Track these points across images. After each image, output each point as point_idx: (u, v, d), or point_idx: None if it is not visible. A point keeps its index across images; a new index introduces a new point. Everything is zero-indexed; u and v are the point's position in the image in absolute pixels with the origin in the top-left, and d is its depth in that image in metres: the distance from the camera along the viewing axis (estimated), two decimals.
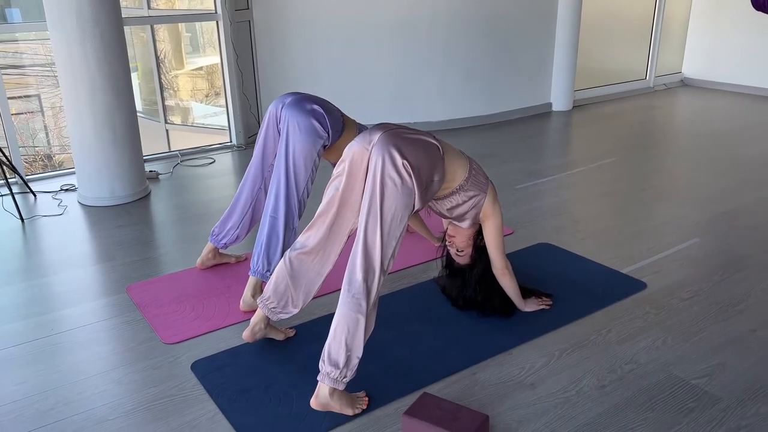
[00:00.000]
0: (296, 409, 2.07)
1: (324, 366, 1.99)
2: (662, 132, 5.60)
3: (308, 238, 2.21)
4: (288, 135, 2.58)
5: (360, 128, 2.82)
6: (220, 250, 3.08)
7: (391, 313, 2.63)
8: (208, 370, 2.28)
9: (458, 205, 2.34)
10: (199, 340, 2.49)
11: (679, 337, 2.46)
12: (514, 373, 2.26)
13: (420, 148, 2.08)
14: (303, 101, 2.63)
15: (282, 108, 2.64)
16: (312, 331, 2.51)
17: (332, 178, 2.16)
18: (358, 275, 1.98)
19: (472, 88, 5.83)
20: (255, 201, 2.89)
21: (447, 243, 2.60)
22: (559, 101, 6.41)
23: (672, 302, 2.71)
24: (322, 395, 1.99)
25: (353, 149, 2.09)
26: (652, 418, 2.02)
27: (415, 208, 2.07)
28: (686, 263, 3.07)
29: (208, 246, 3.04)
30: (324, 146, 2.64)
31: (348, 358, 1.98)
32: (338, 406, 2.01)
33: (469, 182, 2.30)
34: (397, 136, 2.07)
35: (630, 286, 2.84)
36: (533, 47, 6.09)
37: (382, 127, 2.13)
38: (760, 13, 5.05)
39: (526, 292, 2.63)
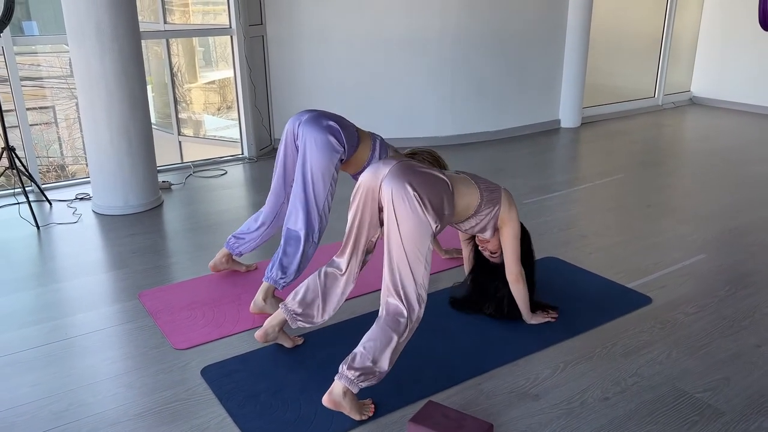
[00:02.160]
0: (304, 415, 2.10)
1: (344, 367, 2.03)
2: (670, 149, 5.63)
3: (340, 261, 2.33)
4: (305, 151, 2.65)
5: (374, 139, 2.88)
6: (234, 257, 3.14)
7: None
8: (217, 376, 2.33)
9: (477, 224, 2.42)
10: (210, 346, 2.54)
11: (683, 351, 2.48)
12: (519, 383, 2.29)
13: (429, 181, 2.14)
14: (319, 118, 2.70)
15: (299, 125, 2.70)
16: (321, 339, 2.55)
17: (350, 205, 2.26)
18: (397, 303, 2.08)
19: (481, 104, 5.90)
20: (276, 216, 2.97)
21: (480, 247, 2.66)
22: (567, 118, 6.46)
23: (677, 317, 2.73)
24: (336, 393, 2.03)
25: (365, 181, 2.18)
26: (655, 431, 2.03)
27: (434, 233, 2.13)
28: (692, 279, 3.09)
29: (224, 251, 3.11)
30: (341, 160, 2.70)
31: (371, 368, 2.03)
32: (348, 408, 2.04)
33: (482, 206, 2.36)
34: (407, 168, 2.13)
35: (636, 300, 2.87)
36: (542, 64, 6.16)
37: (392, 159, 2.21)
38: None
39: (532, 305, 2.67)
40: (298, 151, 2.73)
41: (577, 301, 2.85)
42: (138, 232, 3.75)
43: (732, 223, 3.82)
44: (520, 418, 2.10)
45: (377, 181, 2.14)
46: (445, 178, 2.22)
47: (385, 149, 2.90)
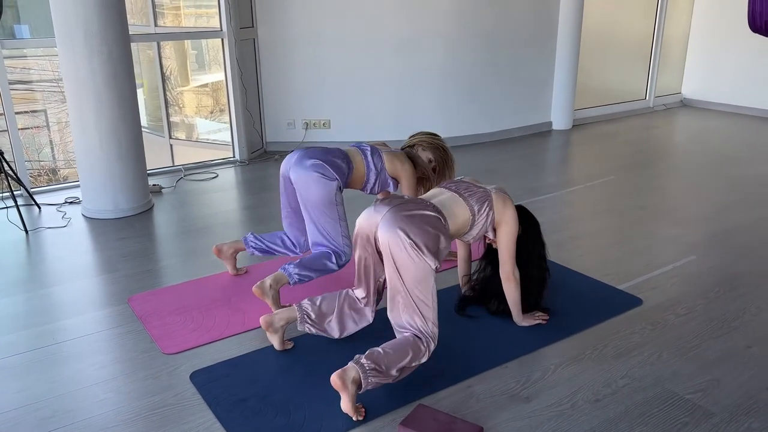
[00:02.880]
0: (293, 420, 2.09)
1: (361, 356, 2.08)
2: (661, 151, 5.65)
3: (358, 291, 2.44)
4: (301, 193, 2.81)
5: (363, 152, 2.99)
6: (238, 254, 3.18)
7: (387, 326, 2.65)
8: (206, 380, 2.31)
9: (478, 233, 2.47)
10: (199, 350, 2.52)
11: (674, 352, 2.48)
12: (509, 385, 2.28)
13: (421, 222, 2.20)
14: (302, 159, 2.82)
15: (289, 170, 2.86)
16: (311, 345, 2.54)
17: (353, 248, 2.39)
18: (415, 333, 2.21)
19: (473, 106, 5.90)
20: (294, 244, 3.11)
21: (494, 246, 2.68)
22: (559, 120, 6.48)
23: (668, 318, 2.74)
24: (348, 375, 2.04)
25: (360, 228, 2.29)
26: None
27: (434, 268, 2.20)
28: (682, 280, 3.10)
29: (237, 244, 3.12)
30: (339, 187, 2.82)
31: (383, 370, 2.08)
32: (351, 395, 2.03)
33: (476, 218, 2.41)
34: (399, 215, 2.19)
35: (626, 302, 2.87)
36: (534, 66, 6.17)
37: (386, 204, 2.27)
38: (758, 35, 5.13)
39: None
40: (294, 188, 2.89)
41: (568, 302, 2.84)
42: (128, 236, 3.73)
43: (722, 224, 3.84)
44: (510, 421, 2.09)
45: (372, 228, 2.25)
46: (435, 214, 2.26)
47: (378, 155, 3.00)
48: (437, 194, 2.45)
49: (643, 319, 2.73)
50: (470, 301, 2.81)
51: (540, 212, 4.05)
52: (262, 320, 2.41)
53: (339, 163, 2.85)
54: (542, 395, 2.22)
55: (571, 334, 2.61)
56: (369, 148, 3.01)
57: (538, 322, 2.65)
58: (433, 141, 3.21)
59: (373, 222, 2.24)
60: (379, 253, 2.29)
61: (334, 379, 2.02)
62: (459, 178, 2.66)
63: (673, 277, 3.13)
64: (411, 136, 3.28)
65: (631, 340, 2.56)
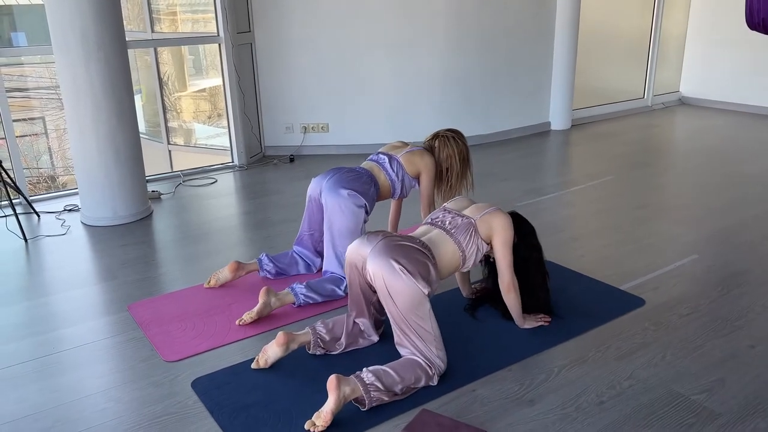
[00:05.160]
0: (295, 427, 2.07)
1: (365, 371, 2.13)
2: (660, 150, 5.64)
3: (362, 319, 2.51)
4: (330, 215, 2.90)
5: (382, 167, 3.09)
6: (249, 272, 3.15)
7: (389, 330, 2.64)
8: (208, 388, 2.29)
9: (475, 258, 2.49)
10: (200, 357, 2.51)
11: (678, 353, 2.46)
12: (513, 389, 2.26)
13: (410, 253, 2.25)
14: (337, 186, 2.90)
15: (321, 194, 2.95)
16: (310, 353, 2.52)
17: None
18: (424, 364, 2.25)
19: (471, 107, 5.89)
20: (309, 265, 3.20)
21: (490, 259, 2.70)
22: (557, 120, 6.47)
23: (671, 318, 2.72)
24: (346, 382, 2.06)
25: (349, 257, 2.36)
26: None
27: (427, 294, 2.23)
28: (685, 279, 3.08)
29: (254, 265, 3.14)
30: (367, 212, 2.94)
31: (383, 389, 2.11)
32: (338, 399, 2.02)
33: (465, 250, 2.44)
34: (388, 246, 2.25)
35: (629, 302, 2.85)
36: (531, 67, 6.16)
37: (375, 236, 2.33)
38: (755, 32, 5.13)
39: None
40: (322, 211, 2.99)
41: (569, 304, 2.83)
42: (127, 243, 3.72)
43: (723, 222, 3.82)
44: (515, 425, 2.08)
45: (361, 259, 2.31)
46: (423, 250, 2.31)
47: (396, 162, 3.10)
48: (426, 232, 2.49)
49: (646, 319, 2.72)
50: (481, 302, 2.82)
51: (540, 213, 4.04)
52: (282, 335, 2.35)
53: (370, 191, 2.97)
54: (546, 398, 2.21)
55: (574, 335, 2.59)
56: (386, 159, 3.09)
57: (540, 324, 2.64)
58: (454, 136, 3.23)
59: (363, 252, 2.30)
60: (370, 286, 2.36)
61: (332, 378, 2.04)
62: (444, 205, 2.66)
63: (675, 276, 3.12)
64: (433, 133, 3.32)
65: (635, 341, 2.55)
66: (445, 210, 2.59)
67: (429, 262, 2.28)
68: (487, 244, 2.50)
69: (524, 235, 2.63)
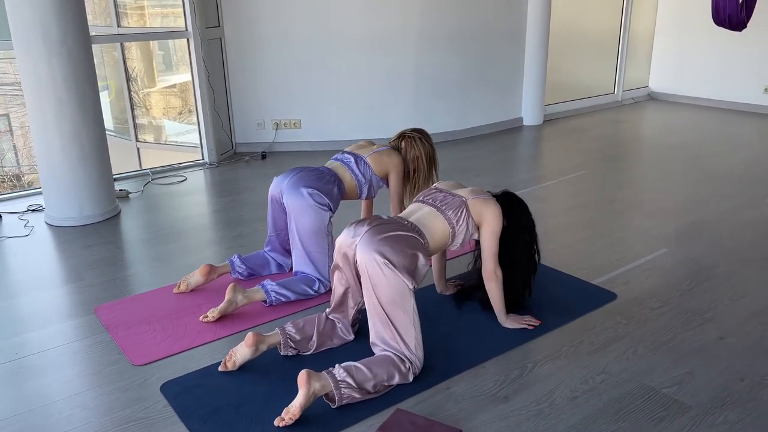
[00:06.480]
0: (267, 429, 2.03)
1: (336, 368, 2.11)
2: (630, 145, 5.71)
3: (338, 314, 2.50)
4: (293, 218, 2.84)
5: (347, 165, 3.04)
6: (221, 274, 3.08)
7: (363, 327, 2.62)
8: (178, 392, 2.24)
9: (462, 240, 2.48)
10: (170, 360, 2.45)
11: (649, 346, 2.49)
12: (487, 386, 2.26)
13: (398, 242, 2.22)
14: (298, 185, 2.83)
15: (282, 194, 2.88)
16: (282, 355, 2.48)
17: (332, 268, 2.44)
18: (396, 354, 2.24)
19: (444, 103, 5.89)
20: (280, 265, 3.17)
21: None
22: (529, 116, 6.51)
23: (642, 312, 2.75)
24: (316, 378, 2.04)
25: (339, 245, 2.32)
26: (624, 429, 2.03)
27: (412, 288, 2.21)
28: (655, 273, 3.12)
29: (226, 268, 3.07)
30: (331, 217, 2.88)
31: (355, 386, 2.09)
32: (307, 395, 2.01)
33: (456, 228, 2.43)
34: (376, 237, 2.22)
35: (601, 297, 2.88)
36: (504, 63, 6.18)
37: (365, 223, 2.30)
38: (722, 28, 5.22)
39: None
40: (286, 213, 2.91)
41: (542, 299, 2.84)
42: (94, 244, 3.62)
43: (692, 216, 3.88)
44: (489, 422, 2.07)
45: (350, 249, 2.27)
46: (413, 234, 2.28)
47: (362, 162, 3.05)
48: (415, 210, 2.47)
49: (617, 313, 2.74)
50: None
51: None
52: (250, 336, 2.30)
53: (333, 191, 2.90)
54: (521, 394, 2.21)
55: (548, 331, 2.60)
56: (352, 158, 3.05)
57: (524, 326, 2.61)
58: (420, 137, 3.22)
59: (351, 242, 2.27)
60: (358, 275, 2.31)
61: (302, 373, 2.02)
62: (435, 185, 2.65)
63: (646, 270, 3.15)
64: (399, 133, 3.28)
65: (607, 336, 2.57)
66: (437, 189, 2.58)
67: (418, 250, 2.25)
68: (478, 228, 2.49)
69: (519, 213, 2.63)
